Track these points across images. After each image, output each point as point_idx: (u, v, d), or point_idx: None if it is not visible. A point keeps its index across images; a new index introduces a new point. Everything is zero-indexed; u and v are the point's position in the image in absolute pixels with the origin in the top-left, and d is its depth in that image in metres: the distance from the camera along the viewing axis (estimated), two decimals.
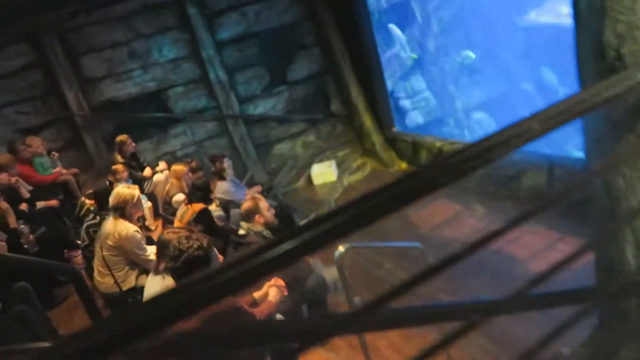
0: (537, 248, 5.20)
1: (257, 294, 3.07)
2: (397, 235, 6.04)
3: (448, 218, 6.27)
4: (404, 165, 8.34)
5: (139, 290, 3.84)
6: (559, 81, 8.97)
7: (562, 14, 7.44)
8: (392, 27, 8.19)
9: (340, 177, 8.28)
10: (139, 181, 6.11)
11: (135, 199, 4.11)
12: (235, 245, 3.87)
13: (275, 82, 8.46)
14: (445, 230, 5.98)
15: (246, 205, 3.89)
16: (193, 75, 7.99)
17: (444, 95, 8.79)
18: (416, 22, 8.43)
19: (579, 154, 4.83)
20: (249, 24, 8.16)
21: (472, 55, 8.46)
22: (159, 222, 5.82)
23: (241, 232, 3.85)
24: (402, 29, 8.28)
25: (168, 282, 2.93)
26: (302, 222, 4.11)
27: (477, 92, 8.89)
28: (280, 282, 3.09)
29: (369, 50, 8.31)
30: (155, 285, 3.13)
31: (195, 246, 2.52)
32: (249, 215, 3.85)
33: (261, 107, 8.47)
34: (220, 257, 2.74)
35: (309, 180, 8.30)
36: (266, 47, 8.28)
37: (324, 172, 8.28)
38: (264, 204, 3.87)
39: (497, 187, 6.41)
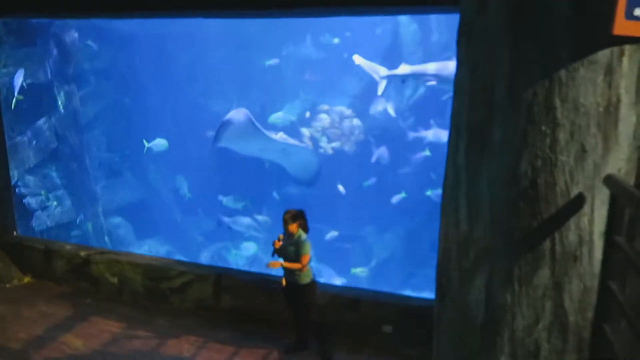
0: None
1: None
2: None
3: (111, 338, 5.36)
4: (27, 279, 6.74)
5: None
6: (188, 188, 9.92)
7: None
8: (20, 70, 6.79)
9: None
10: None
11: None
12: None
13: None
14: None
15: None
16: None
17: (82, 195, 7.75)
18: (58, 111, 7.32)
19: None
20: None
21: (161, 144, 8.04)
22: None
23: None
24: (41, 115, 7.00)
25: None
26: None
27: (117, 195, 8.28)
28: None
29: None
30: None
31: None
32: None
33: None
34: None
35: None
36: None
37: None
38: None
39: (156, 302, 5.97)
